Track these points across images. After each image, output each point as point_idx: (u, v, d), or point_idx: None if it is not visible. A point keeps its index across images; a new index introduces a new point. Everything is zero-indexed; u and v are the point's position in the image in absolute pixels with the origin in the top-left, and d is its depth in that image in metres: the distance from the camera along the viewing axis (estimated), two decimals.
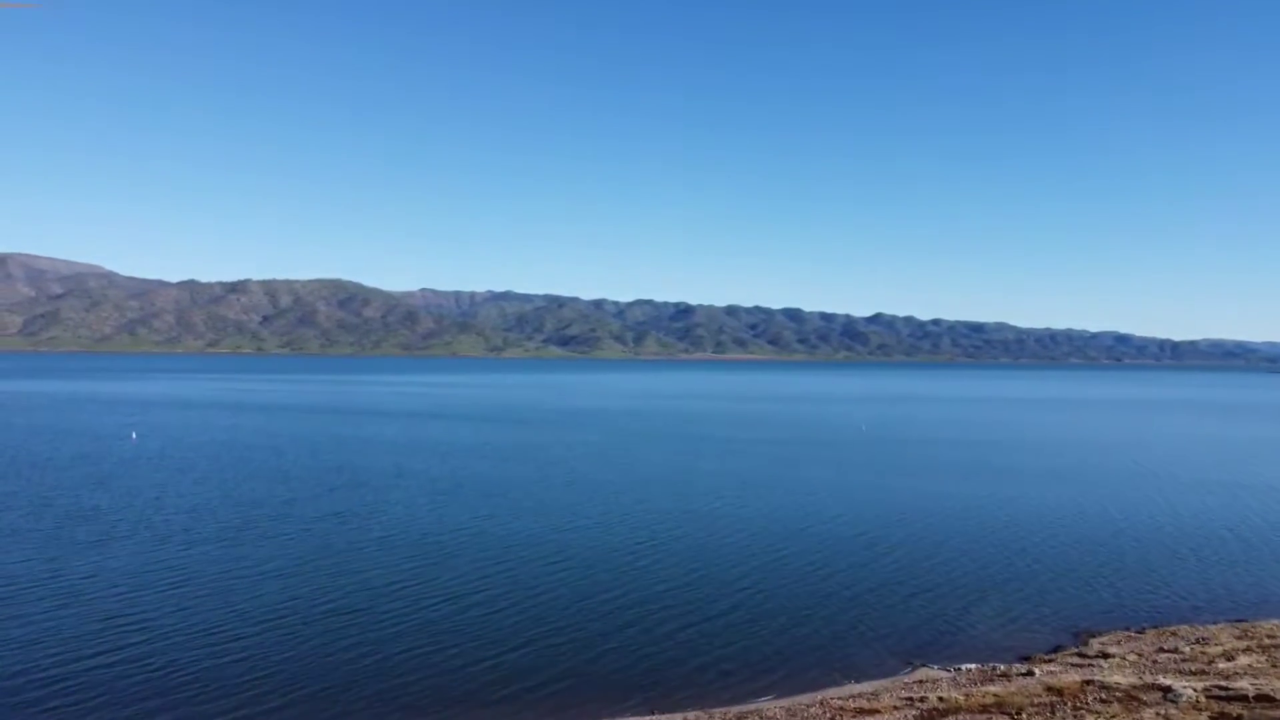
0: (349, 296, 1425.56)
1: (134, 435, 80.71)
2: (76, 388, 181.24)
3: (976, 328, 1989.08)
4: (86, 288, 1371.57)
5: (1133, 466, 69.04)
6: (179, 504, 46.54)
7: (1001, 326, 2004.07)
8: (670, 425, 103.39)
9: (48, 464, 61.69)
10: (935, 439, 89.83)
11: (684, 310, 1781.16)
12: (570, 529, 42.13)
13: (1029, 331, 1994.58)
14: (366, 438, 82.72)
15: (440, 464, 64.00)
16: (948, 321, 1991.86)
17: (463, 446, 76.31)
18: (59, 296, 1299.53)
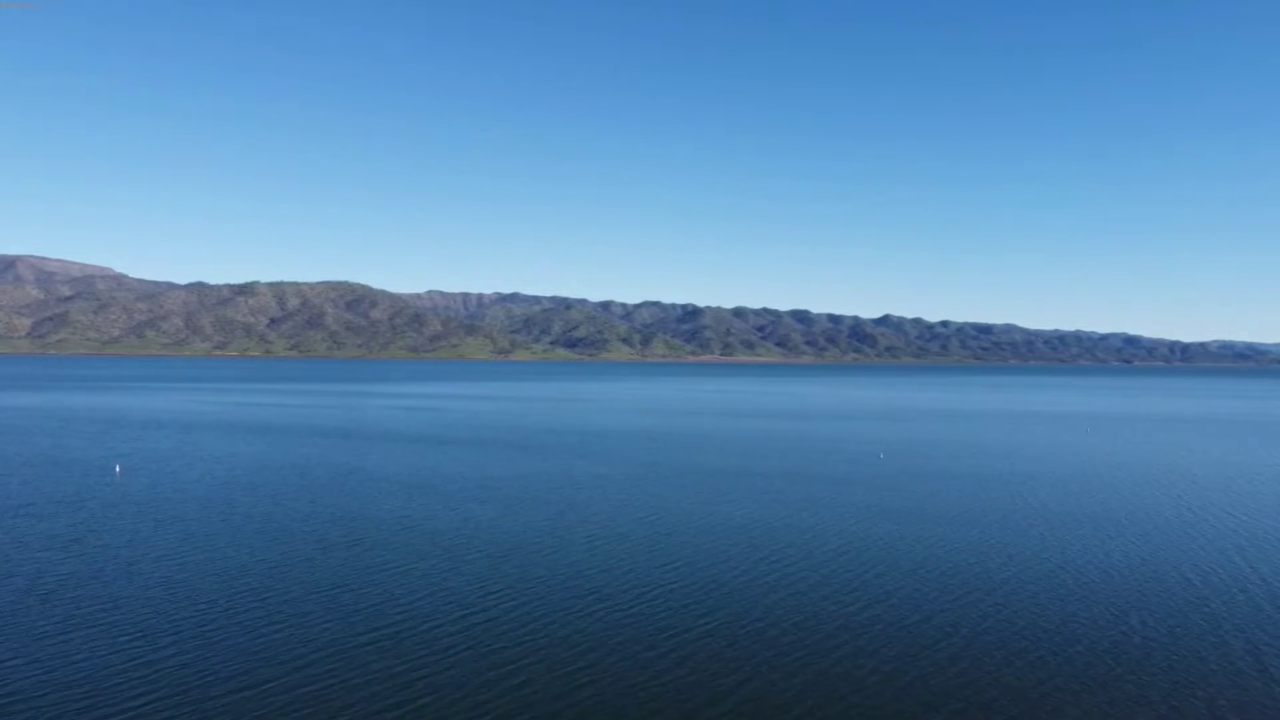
0: (356, 299, 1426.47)
1: (118, 469, 76.80)
2: (79, 402, 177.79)
3: (985, 329, 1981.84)
4: (95, 290, 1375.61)
5: (1187, 508, 64.19)
6: (154, 573, 42.27)
7: (1010, 328, 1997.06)
8: (683, 454, 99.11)
9: (24, 511, 57.59)
10: (957, 471, 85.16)
11: (692, 312, 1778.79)
12: (591, 612, 37.56)
13: (1038, 333, 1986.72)
14: (369, 473, 78.53)
15: (445, 511, 59.66)
16: (956, 323, 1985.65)
17: (469, 485, 72.02)
18: (68, 299, 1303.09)
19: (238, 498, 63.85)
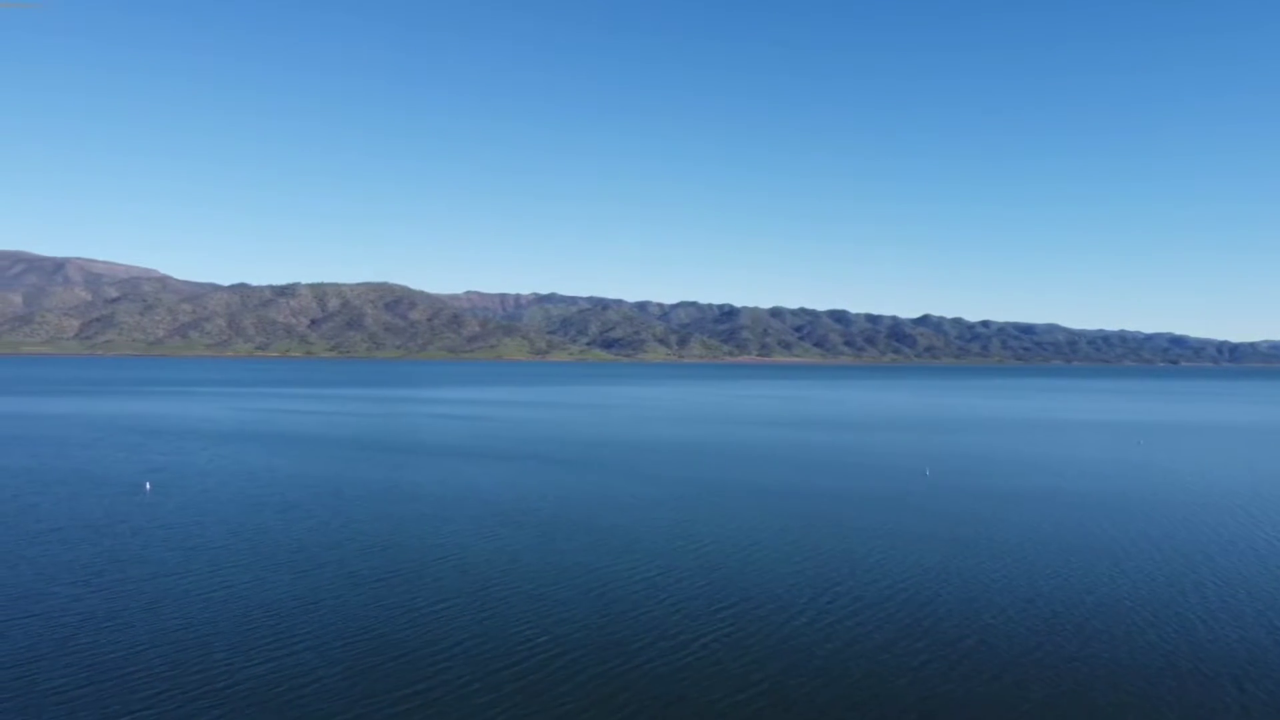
0: (396, 300, 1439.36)
1: (148, 486, 75.79)
2: (120, 409, 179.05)
3: (1027, 329, 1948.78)
4: (141, 291, 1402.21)
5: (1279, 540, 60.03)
6: (177, 613, 40.31)
7: (1053, 328, 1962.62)
8: (725, 470, 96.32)
9: (52, 537, 56.23)
10: (1009, 491, 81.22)
11: (728, 312, 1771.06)
12: (634, 660, 34.80)
13: (1081, 333, 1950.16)
14: (403, 492, 76.74)
15: (479, 540, 57.31)
16: (997, 323, 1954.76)
17: (505, 507, 69.79)
18: (114, 300, 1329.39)
19: (269, 522, 62.09)
